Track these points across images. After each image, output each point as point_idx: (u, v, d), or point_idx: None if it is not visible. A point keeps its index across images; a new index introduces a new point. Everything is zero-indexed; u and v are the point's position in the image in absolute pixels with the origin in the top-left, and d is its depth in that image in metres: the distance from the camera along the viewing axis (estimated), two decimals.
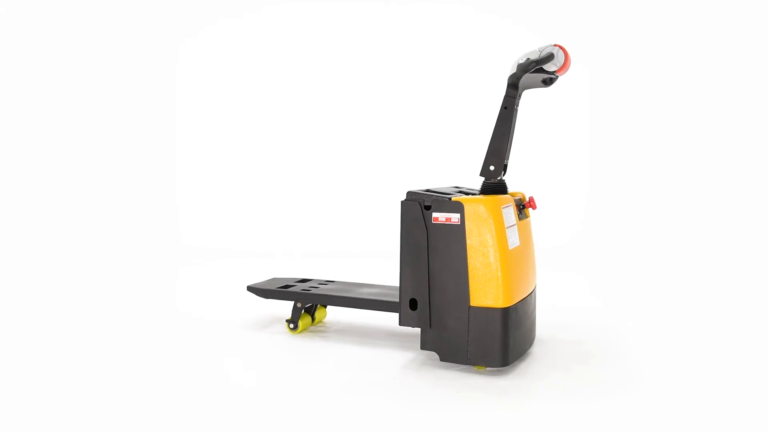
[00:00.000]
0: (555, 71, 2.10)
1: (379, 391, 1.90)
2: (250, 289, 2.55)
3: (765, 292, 3.18)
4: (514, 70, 2.09)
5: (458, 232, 2.01)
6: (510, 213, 2.07)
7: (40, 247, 4.30)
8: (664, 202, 4.57)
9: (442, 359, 2.06)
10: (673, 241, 4.33)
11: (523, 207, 2.21)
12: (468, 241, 1.99)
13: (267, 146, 5.03)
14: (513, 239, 2.04)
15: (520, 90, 2.13)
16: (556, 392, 1.89)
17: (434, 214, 2.05)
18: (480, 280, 1.98)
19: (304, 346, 2.33)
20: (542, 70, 2.10)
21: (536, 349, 2.27)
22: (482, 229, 1.98)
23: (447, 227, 2.03)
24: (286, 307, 2.88)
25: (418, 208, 2.07)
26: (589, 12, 4.81)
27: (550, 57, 2.07)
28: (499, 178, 2.14)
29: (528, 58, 2.08)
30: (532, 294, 2.20)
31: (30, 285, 3.34)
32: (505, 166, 2.16)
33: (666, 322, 2.65)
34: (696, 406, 1.79)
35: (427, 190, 2.17)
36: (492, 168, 2.14)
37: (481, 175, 2.15)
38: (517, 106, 2.15)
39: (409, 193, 2.11)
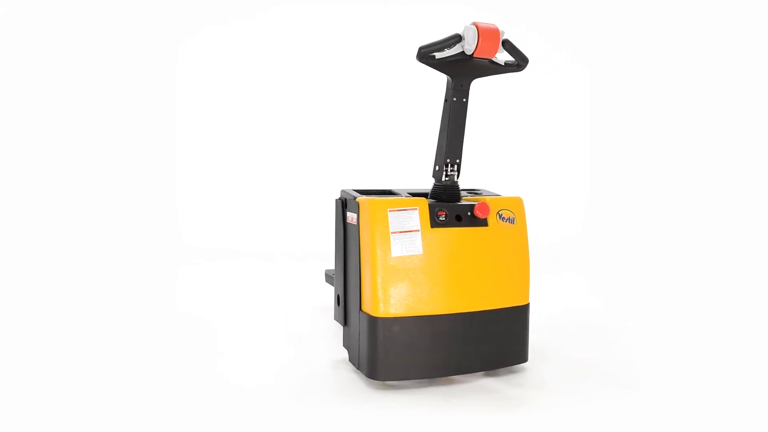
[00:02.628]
0: (473, 54, 1.88)
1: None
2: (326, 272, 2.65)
3: (765, 292, 3.18)
4: None
5: (356, 232, 1.93)
6: (406, 217, 1.88)
7: (39, 247, 4.30)
8: (664, 202, 4.57)
9: (349, 360, 2.04)
10: (673, 240, 4.32)
11: (470, 214, 1.95)
12: (361, 243, 1.90)
13: (267, 146, 5.03)
14: (407, 246, 1.86)
15: (458, 80, 1.94)
16: (555, 393, 1.89)
17: (347, 213, 2.00)
18: (365, 285, 1.89)
19: (305, 344, 2.33)
20: (464, 54, 1.89)
21: (535, 350, 2.26)
22: (367, 231, 1.87)
23: (352, 227, 1.96)
24: (282, 305, 2.88)
25: (340, 207, 2.05)
26: (589, 12, 4.81)
27: (451, 39, 1.87)
28: (446, 179, 1.97)
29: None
30: (479, 314, 1.93)
31: (30, 285, 3.34)
32: (458, 166, 1.99)
33: (666, 322, 2.65)
34: (696, 407, 1.79)
35: (382, 190, 2.10)
36: (437, 168, 1.99)
37: (432, 176, 2.02)
38: (465, 99, 1.96)
39: (341, 191, 2.08)
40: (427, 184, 2.77)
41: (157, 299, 3.06)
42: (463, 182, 3.11)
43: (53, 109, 4.84)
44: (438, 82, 5.09)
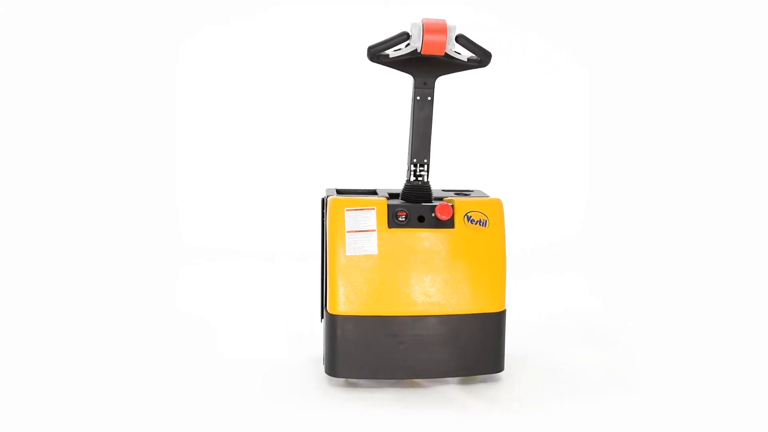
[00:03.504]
0: (420, 51, 1.86)
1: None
2: None
3: (766, 292, 3.17)
4: None
5: (325, 231, 1.97)
6: (363, 217, 1.89)
7: (38, 247, 4.29)
8: (665, 201, 4.56)
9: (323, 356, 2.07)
10: (674, 240, 4.32)
11: (433, 215, 1.93)
12: (327, 241, 1.94)
13: (268, 146, 5.02)
14: (362, 246, 1.87)
15: (420, 79, 1.95)
16: (554, 394, 1.89)
17: (324, 212, 2.04)
18: (328, 282, 1.92)
19: (304, 344, 2.33)
20: (416, 53, 1.89)
21: (535, 350, 2.26)
22: (329, 229, 1.91)
23: (325, 226, 1.99)
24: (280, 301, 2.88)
25: (321, 205, 2.09)
26: (589, 12, 4.80)
27: (399, 36, 1.88)
28: (414, 179, 1.97)
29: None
30: (439, 318, 1.90)
31: (28, 285, 3.34)
32: (425, 165, 1.97)
33: (667, 323, 2.65)
34: (697, 408, 1.79)
35: (365, 190, 2.12)
36: (407, 168, 2.00)
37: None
38: (430, 97, 1.95)
39: (326, 190, 2.11)
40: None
41: (157, 299, 3.05)
42: (460, 183, 3.11)
43: (53, 109, 4.84)
44: (436, 83, 5.04)
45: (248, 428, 1.67)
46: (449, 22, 1.86)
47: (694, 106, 4.57)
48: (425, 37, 1.81)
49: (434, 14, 5.29)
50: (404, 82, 5.06)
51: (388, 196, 2.04)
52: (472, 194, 2.13)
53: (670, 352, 2.25)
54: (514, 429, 1.67)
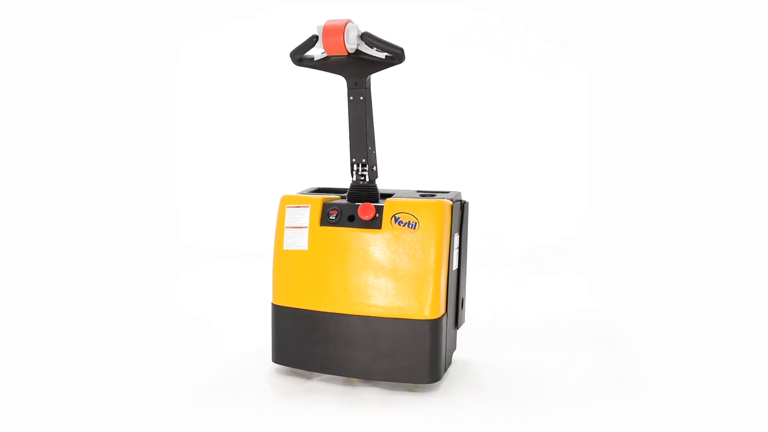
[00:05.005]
0: (324, 52, 1.90)
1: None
2: None
3: (766, 292, 3.17)
4: None
5: None
6: (299, 214, 1.94)
7: (38, 247, 4.30)
8: (665, 201, 4.56)
9: None
10: (674, 240, 4.32)
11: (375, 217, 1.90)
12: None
13: (268, 146, 5.03)
14: (295, 241, 1.93)
15: (350, 79, 1.95)
16: (555, 394, 1.89)
17: None
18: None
19: None
20: (329, 57, 1.91)
21: (535, 350, 2.26)
22: (276, 225, 1.99)
23: None
24: None
25: None
26: (589, 12, 4.80)
27: (310, 40, 1.92)
28: (357, 179, 1.98)
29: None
30: (361, 319, 1.87)
31: (28, 285, 3.34)
32: (366, 165, 1.95)
33: (667, 323, 2.65)
34: (697, 408, 1.80)
35: (337, 189, 2.15)
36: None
37: None
38: (362, 97, 1.94)
39: (307, 189, 2.17)
40: (415, 184, 2.72)
41: (157, 299, 3.06)
42: (456, 184, 3.08)
43: (53, 109, 4.85)
44: (435, 83, 5.05)
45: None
46: (352, 22, 1.89)
47: (693, 106, 4.57)
48: (324, 39, 1.86)
49: (434, 14, 5.30)
50: (404, 82, 5.08)
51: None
52: (438, 196, 2.01)
53: (670, 352, 2.25)
54: (514, 429, 1.67)
